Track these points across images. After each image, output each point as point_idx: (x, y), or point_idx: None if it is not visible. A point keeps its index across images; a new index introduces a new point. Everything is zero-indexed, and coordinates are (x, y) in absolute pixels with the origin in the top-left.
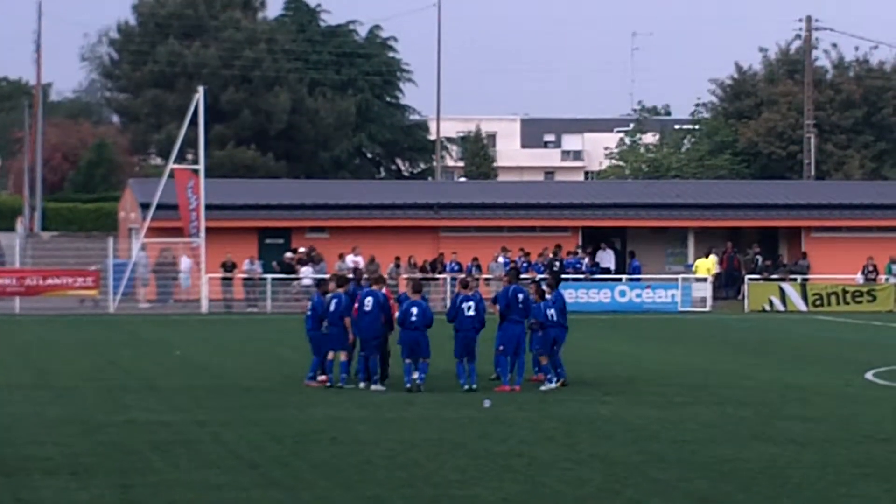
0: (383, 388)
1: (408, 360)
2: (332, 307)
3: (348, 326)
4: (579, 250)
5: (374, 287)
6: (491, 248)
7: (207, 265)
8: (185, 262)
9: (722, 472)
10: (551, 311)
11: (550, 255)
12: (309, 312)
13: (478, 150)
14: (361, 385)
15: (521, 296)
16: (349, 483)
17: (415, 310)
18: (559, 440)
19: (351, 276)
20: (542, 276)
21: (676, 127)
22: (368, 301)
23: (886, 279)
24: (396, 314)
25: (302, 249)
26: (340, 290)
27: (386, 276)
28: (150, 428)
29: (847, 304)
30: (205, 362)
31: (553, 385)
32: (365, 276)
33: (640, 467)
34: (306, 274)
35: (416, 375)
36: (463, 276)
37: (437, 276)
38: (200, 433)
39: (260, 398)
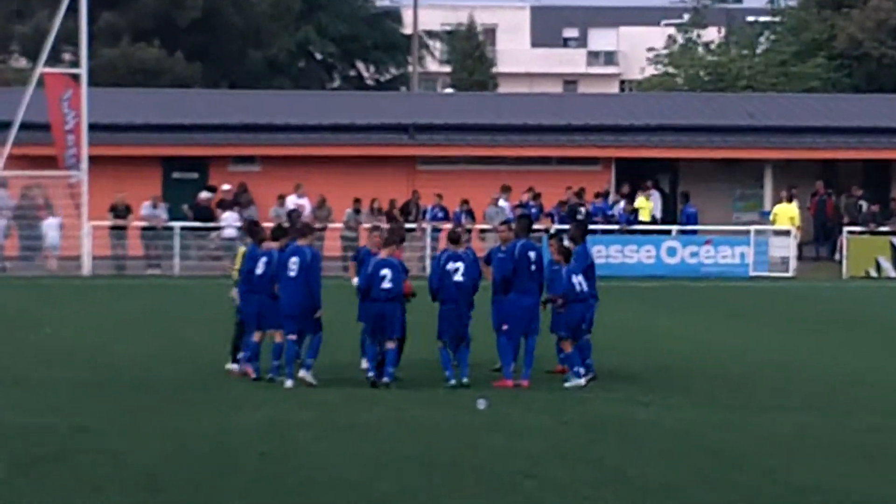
0: (314, 382)
1: (371, 343)
2: (259, 268)
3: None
4: (611, 191)
5: (301, 242)
6: (487, 188)
7: (91, 209)
8: (50, 222)
9: None
10: (578, 279)
11: (573, 199)
12: (242, 270)
13: (471, 50)
14: (288, 383)
15: (532, 254)
16: None
17: (386, 272)
18: (580, 455)
19: (287, 224)
20: (561, 226)
21: (750, 19)
22: (293, 262)
23: None
24: (355, 278)
25: (226, 187)
26: (275, 246)
27: (343, 224)
28: (11, 436)
29: None
30: (87, 345)
31: (581, 381)
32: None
33: (692, 495)
34: (230, 222)
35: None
36: (450, 226)
37: (413, 224)
38: (82, 444)
39: (164, 396)
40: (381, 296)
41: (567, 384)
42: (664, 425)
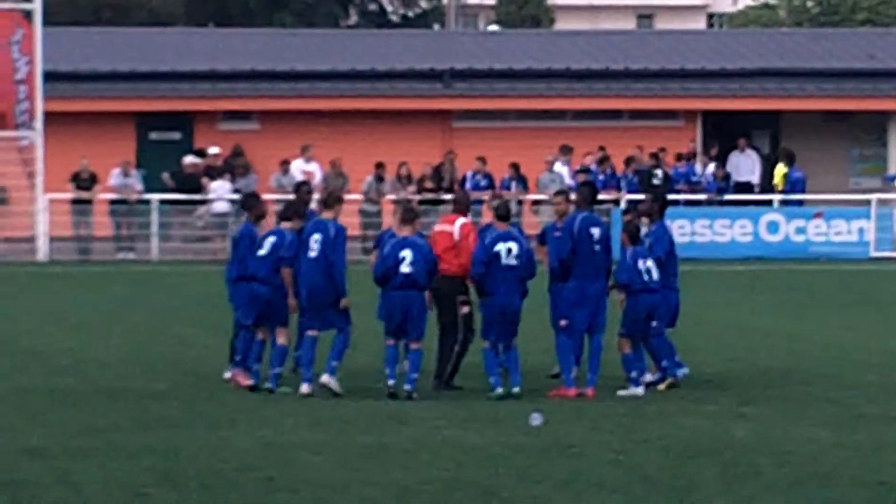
0: (340, 390)
1: (391, 342)
2: (264, 249)
3: (289, 285)
4: (698, 152)
5: (325, 215)
6: (542, 149)
7: (48, 178)
8: None
9: None
10: (646, 263)
11: (647, 162)
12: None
13: None
14: (305, 388)
15: (596, 231)
16: None
17: (407, 254)
18: (660, 482)
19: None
20: (633, 197)
21: None
22: (314, 240)
23: None
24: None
25: (215, 150)
26: (287, 225)
27: (362, 195)
28: None
29: None
30: (44, 347)
31: (638, 389)
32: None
33: None
34: (220, 194)
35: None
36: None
37: (447, 195)
38: (37, 470)
39: (142, 409)
40: (399, 283)
41: (621, 393)
42: (771, 444)
